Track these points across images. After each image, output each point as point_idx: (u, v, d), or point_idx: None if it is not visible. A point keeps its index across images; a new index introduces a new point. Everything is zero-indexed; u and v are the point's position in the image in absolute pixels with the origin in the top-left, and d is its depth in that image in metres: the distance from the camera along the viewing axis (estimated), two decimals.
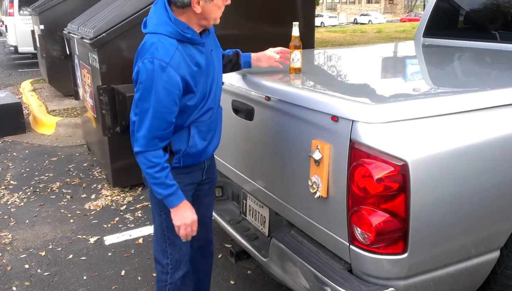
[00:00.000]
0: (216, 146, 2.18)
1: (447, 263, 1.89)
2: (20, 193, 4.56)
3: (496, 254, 2.01)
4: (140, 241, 3.56)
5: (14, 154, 5.79)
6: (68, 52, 5.98)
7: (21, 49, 11.93)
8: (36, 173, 5.08)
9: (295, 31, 2.35)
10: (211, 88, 2.02)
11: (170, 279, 2.18)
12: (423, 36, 3.69)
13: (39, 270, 3.23)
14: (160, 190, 1.92)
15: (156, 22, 1.87)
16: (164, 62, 1.78)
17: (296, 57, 2.37)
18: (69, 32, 5.19)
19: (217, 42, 2.17)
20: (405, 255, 1.76)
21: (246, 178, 2.54)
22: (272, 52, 2.38)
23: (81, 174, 5.00)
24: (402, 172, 1.68)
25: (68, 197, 4.42)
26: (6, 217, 4.05)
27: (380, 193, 1.70)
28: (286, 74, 2.41)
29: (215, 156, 2.77)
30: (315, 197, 1.93)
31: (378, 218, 1.72)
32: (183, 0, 1.82)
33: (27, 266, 3.28)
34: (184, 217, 1.97)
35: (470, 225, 1.88)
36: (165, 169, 1.90)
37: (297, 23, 2.36)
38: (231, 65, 2.36)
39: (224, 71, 2.39)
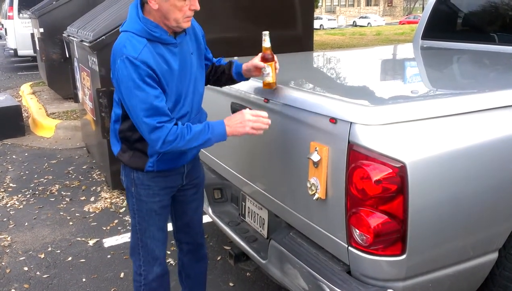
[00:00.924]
0: (196, 152, 2.15)
1: (446, 264, 1.89)
2: (20, 195, 4.56)
3: (494, 256, 2.01)
4: None
5: (14, 156, 5.79)
6: (67, 55, 5.98)
7: (20, 52, 11.96)
8: (36, 176, 5.08)
9: (266, 42, 2.05)
10: (187, 91, 1.98)
11: (144, 281, 2.20)
12: (421, 39, 3.70)
13: (38, 273, 3.23)
14: (205, 137, 1.89)
15: (128, 20, 1.90)
16: (133, 57, 1.79)
17: (266, 72, 2.08)
18: (68, 35, 5.20)
19: (200, 47, 2.10)
20: (404, 256, 1.77)
21: (245, 180, 2.54)
22: (260, 62, 2.09)
23: (80, 177, 5.00)
24: (400, 173, 1.68)
25: (68, 199, 4.42)
26: (5, 219, 4.05)
27: (379, 195, 1.70)
28: (284, 77, 2.41)
29: (214, 158, 2.77)
30: (314, 198, 1.94)
31: (376, 220, 1.72)
32: None
33: (26, 268, 3.28)
34: (240, 123, 1.92)
35: (468, 226, 1.89)
36: (189, 127, 1.86)
37: (267, 32, 2.04)
38: (225, 76, 2.22)
39: (219, 83, 2.29)
